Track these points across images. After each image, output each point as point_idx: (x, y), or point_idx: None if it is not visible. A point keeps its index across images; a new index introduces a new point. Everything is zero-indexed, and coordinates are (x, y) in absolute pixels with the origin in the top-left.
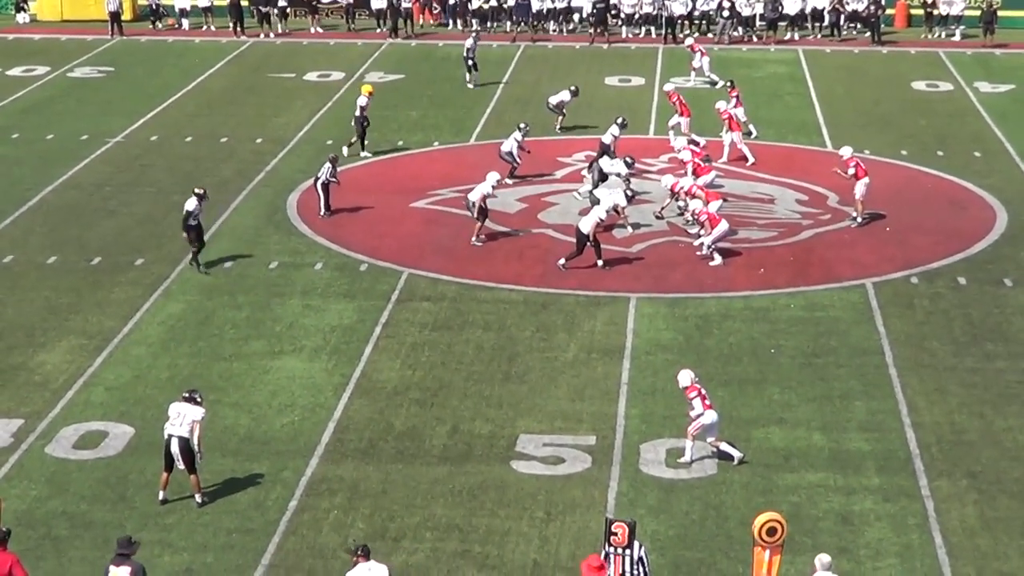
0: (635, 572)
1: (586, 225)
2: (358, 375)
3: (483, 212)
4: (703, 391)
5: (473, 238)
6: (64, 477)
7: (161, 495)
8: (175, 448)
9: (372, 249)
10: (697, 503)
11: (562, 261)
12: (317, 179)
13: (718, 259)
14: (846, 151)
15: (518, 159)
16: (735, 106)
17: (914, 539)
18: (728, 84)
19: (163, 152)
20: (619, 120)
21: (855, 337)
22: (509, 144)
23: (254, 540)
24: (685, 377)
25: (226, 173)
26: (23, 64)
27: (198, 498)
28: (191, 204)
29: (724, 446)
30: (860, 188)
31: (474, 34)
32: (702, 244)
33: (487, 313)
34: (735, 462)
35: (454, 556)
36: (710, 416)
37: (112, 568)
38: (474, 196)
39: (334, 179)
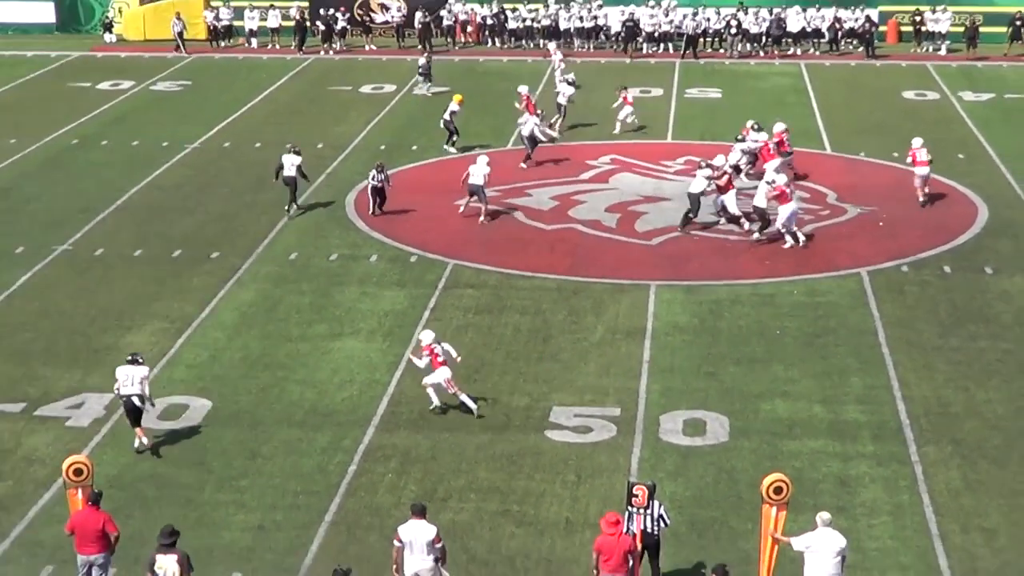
0: (655, 528)
1: (760, 200)
2: (409, 354)
3: (478, 192)
4: (436, 352)
5: (469, 212)
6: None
7: (137, 443)
8: (135, 403)
9: (421, 243)
10: (711, 467)
11: (756, 235)
12: (368, 184)
13: (789, 241)
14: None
15: (541, 138)
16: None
17: (904, 499)
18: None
19: (235, 157)
20: (755, 125)
21: (852, 320)
22: (528, 128)
23: (318, 500)
24: (427, 337)
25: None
26: (111, 79)
27: (145, 442)
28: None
29: (464, 397)
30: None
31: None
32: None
33: (524, 299)
34: (475, 415)
35: (495, 515)
36: (442, 372)
37: (158, 557)
38: (478, 180)
39: (386, 183)
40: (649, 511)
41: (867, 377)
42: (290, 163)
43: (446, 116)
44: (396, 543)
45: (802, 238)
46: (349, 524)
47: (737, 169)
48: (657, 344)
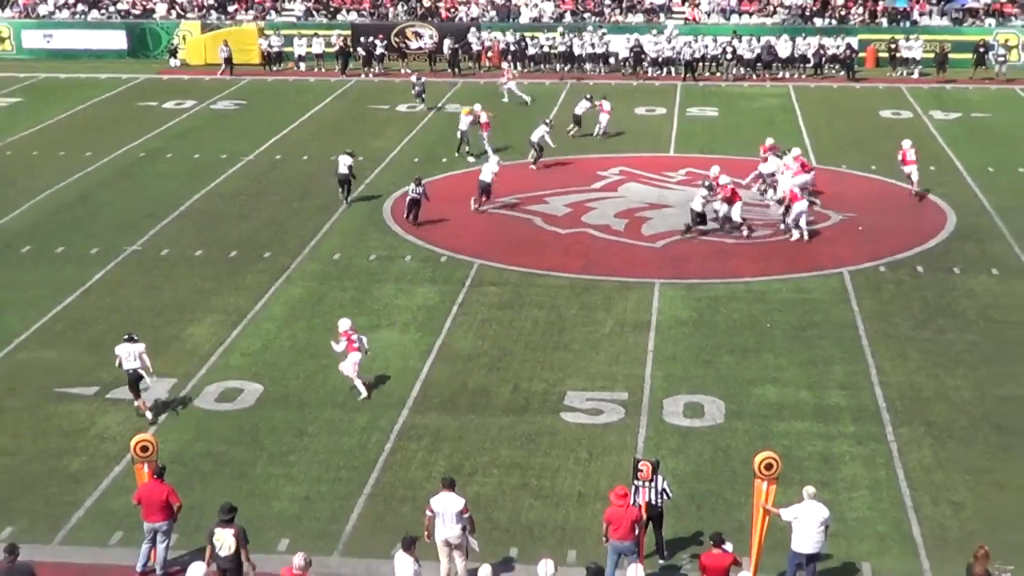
0: (659, 500)
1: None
2: (439, 344)
3: (488, 190)
4: (352, 339)
5: (476, 206)
6: (208, 424)
7: (149, 415)
8: (137, 375)
9: (450, 245)
10: (708, 446)
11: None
12: (407, 195)
13: (796, 235)
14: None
15: (550, 143)
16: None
17: (881, 475)
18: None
19: (285, 169)
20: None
21: (834, 314)
22: (538, 134)
23: (358, 474)
24: (344, 324)
25: (335, 185)
26: (175, 99)
27: (149, 416)
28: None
29: (358, 383)
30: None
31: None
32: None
33: (541, 295)
34: (362, 396)
35: (516, 488)
36: (352, 357)
37: (217, 530)
38: (486, 177)
39: (423, 196)
40: (653, 485)
41: (848, 365)
42: (344, 163)
43: (463, 128)
44: (428, 513)
45: (807, 235)
46: (385, 496)
47: (761, 178)
48: (660, 336)
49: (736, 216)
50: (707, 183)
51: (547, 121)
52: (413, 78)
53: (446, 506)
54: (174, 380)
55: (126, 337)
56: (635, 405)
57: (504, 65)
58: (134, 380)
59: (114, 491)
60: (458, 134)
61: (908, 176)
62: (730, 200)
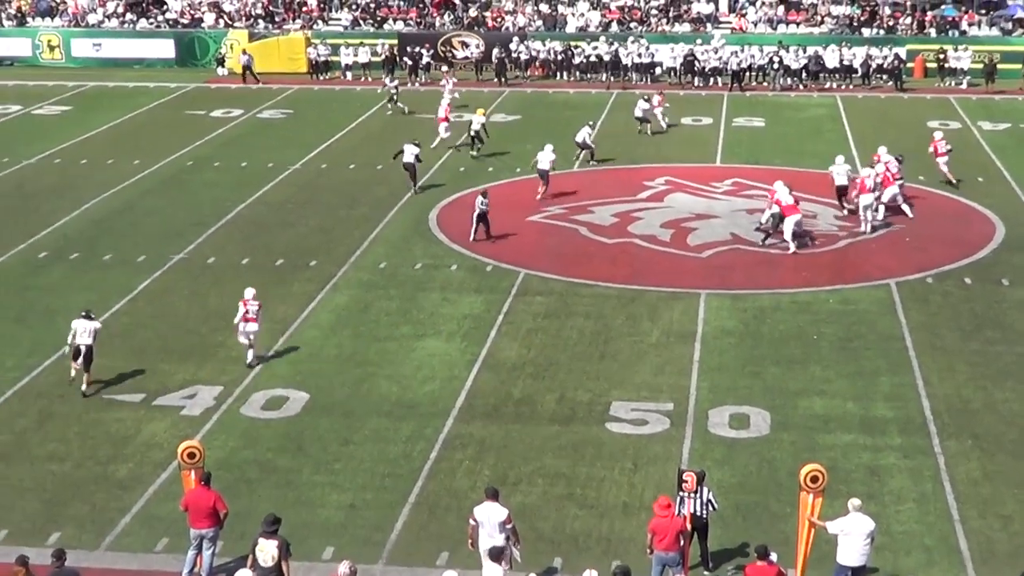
0: (704, 511)
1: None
2: (485, 353)
3: (545, 176)
4: (250, 307)
5: (539, 196)
6: (254, 432)
7: (72, 375)
8: (83, 350)
9: (496, 254)
10: (754, 457)
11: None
12: (474, 211)
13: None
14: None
15: (592, 144)
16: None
17: (928, 488)
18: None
19: (331, 177)
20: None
21: (881, 326)
22: (582, 135)
23: (403, 483)
24: (248, 292)
25: (381, 193)
26: (223, 107)
27: (87, 389)
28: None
29: (250, 353)
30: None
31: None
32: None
33: (587, 305)
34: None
35: (560, 498)
36: (250, 327)
37: (261, 540)
38: (544, 165)
39: (487, 208)
40: (699, 496)
41: (895, 377)
42: (410, 152)
43: (476, 128)
44: (471, 522)
45: (792, 247)
46: (430, 505)
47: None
48: (706, 346)
49: (788, 232)
50: (645, 96)
51: (590, 123)
52: (387, 79)
53: (489, 516)
54: (220, 388)
55: (83, 313)
56: (680, 416)
57: (444, 68)
58: (86, 354)
59: (161, 497)
60: (471, 134)
61: (940, 167)
62: (790, 211)
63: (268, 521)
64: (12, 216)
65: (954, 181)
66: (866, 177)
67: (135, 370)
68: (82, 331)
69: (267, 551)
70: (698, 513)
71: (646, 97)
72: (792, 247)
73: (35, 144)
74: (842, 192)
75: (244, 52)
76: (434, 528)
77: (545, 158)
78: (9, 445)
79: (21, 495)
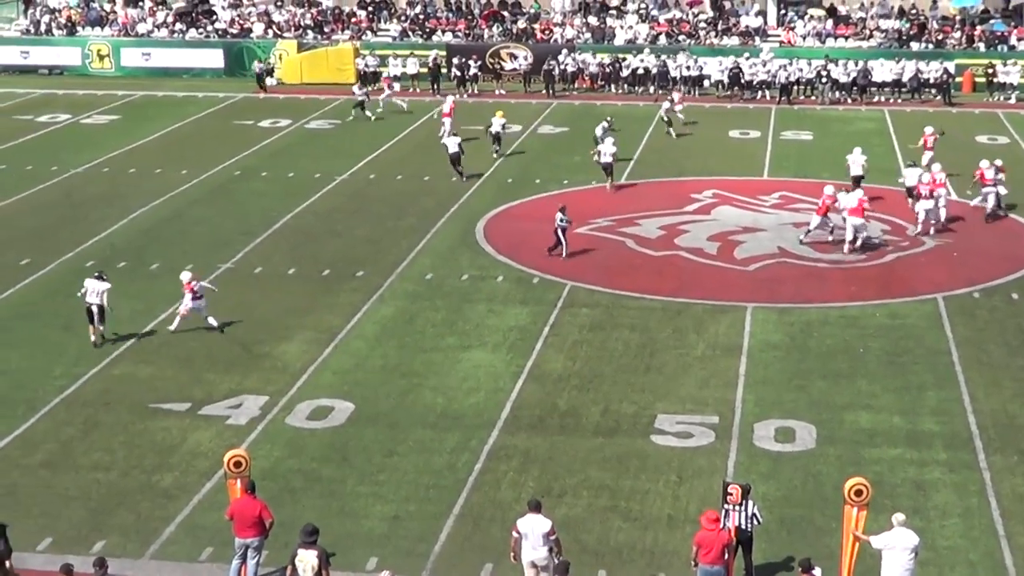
0: (749, 525)
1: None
2: (530, 365)
3: (609, 168)
4: (194, 287)
5: (609, 186)
6: (299, 442)
7: (92, 339)
8: (95, 311)
9: (543, 266)
10: (799, 471)
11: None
12: (556, 227)
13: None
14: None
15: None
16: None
17: (974, 503)
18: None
19: (379, 187)
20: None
21: (928, 340)
22: (599, 129)
23: (447, 494)
24: (185, 276)
25: (428, 205)
26: (271, 118)
27: (93, 339)
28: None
29: (212, 320)
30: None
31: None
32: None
33: (633, 318)
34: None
35: (605, 510)
36: (189, 301)
37: (300, 551)
38: (607, 158)
39: (568, 223)
40: (744, 509)
41: (941, 392)
42: (454, 143)
43: (496, 129)
44: (514, 534)
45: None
46: (474, 516)
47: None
48: (752, 360)
49: (849, 232)
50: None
51: (608, 119)
52: (355, 87)
53: (532, 528)
54: (266, 398)
55: (96, 275)
56: (726, 429)
57: (385, 73)
58: (99, 313)
59: (205, 507)
60: (490, 136)
61: (984, 197)
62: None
63: (307, 531)
64: (60, 224)
65: (995, 216)
66: (923, 184)
67: (182, 379)
68: (92, 291)
69: (307, 561)
70: (743, 526)
71: (670, 98)
72: (846, 247)
73: (84, 153)
74: (856, 181)
75: (258, 60)
76: (478, 540)
77: (607, 151)
78: (55, 453)
79: (67, 503)
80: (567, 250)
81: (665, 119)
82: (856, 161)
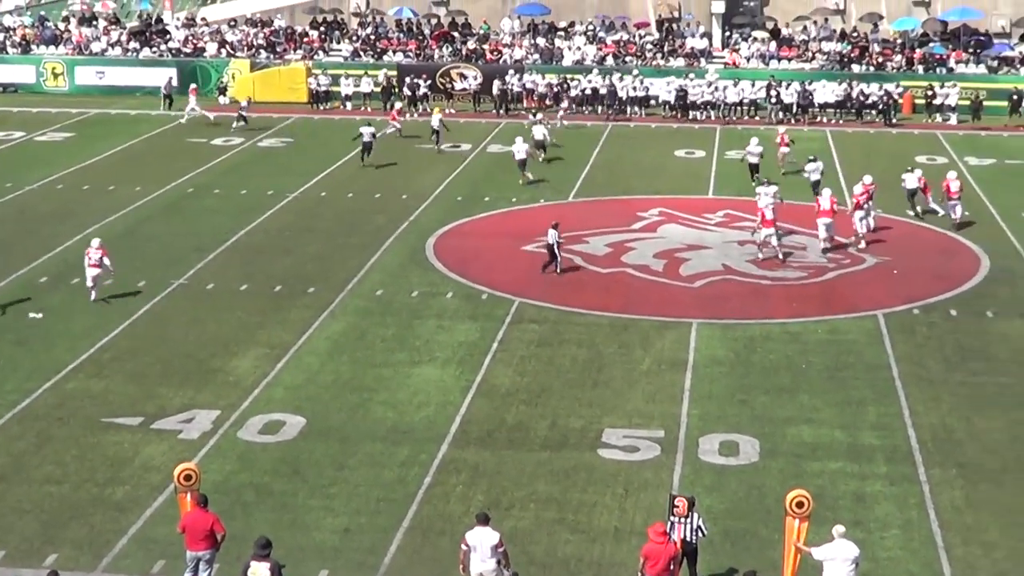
0: (694, 537)
1: None
2: (479, 380)
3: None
4: (94, 259)
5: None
6: (251, 456)
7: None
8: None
9: (491, 282)
10: (743, 484)
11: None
12: (549, 244)
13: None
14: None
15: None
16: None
17: (913, 515)
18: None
19: (330, 205)
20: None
21: (868, 356)
22: (539, 132)
23: (397, 507)
24: (95, 243)
25: (379, 221)
26: (223, 136)
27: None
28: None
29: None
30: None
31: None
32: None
33: (580, 333)
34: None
35: (552, 523)
36: (92, 272)
37: (253, 563)
38: (521, 155)
39: (561, 240)
40: (689, 521)
41: (881, 407)
42: (367, 132)
43: (435, 125)
44: (463, 547)
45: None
46: (424, 529)
47: None
48: (697, 375)
49: (822, 231)
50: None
51: (540, 119)
52: (227, 99)
53: (481, 540)
54: (217, 412)
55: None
56: (671, 443)
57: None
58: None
59: (157, 520)
60: (433, 129)
61: (952, 208)
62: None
63: (260, 544)
64: (14, 241)
65: (961, 223)
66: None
67: (134, 394)
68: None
69: (259, 574)
70: (688, 539)
71: (540, 120)
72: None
73: (38, 170)
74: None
75: (169, 79)
76: (428, 552)
77: (521, 148)
78: (7, 467)
79: (19, 516)
80: (560, 266)
81: (539, 140)
82: (815, 168)
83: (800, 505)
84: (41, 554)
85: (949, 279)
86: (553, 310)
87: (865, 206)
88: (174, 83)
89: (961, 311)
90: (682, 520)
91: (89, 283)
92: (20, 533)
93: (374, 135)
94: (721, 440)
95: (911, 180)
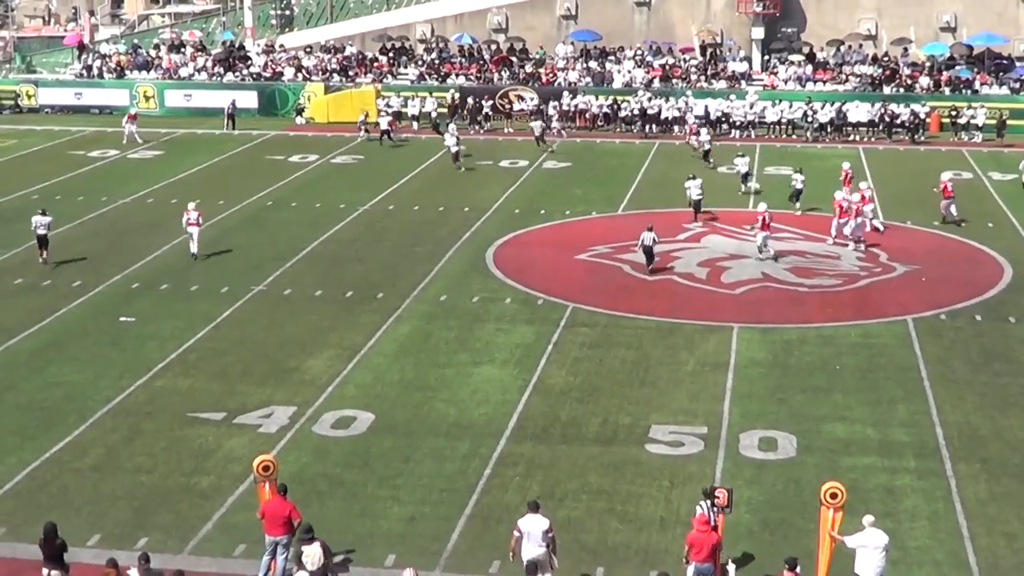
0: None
1: None
2: (535, 380)
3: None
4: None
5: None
6: (324, 449)
7: (42, 260)
8: (42, 238)
9: (547, 289)
10: (781, 477)
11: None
12: (646, 246)
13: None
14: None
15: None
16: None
17: (940, 507)
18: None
19: (397, 217)
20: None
21: (898, 358)
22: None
23: (459, 497)
24: (190, 205)
25: (442, 233)
26: (300, 153)
27: (45, 261)
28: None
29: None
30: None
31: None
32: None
33: (629, 336)
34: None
35: (603, 512)
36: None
37: (305, 548)
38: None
39: (658, 240)
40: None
41: (910, 405)
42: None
43: (743, 171)
44: (515, 533)
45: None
46: (484, 517)
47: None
48: (738, 375)
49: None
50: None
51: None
52: (303, 120)
53: (532, 527)
54: (294, 408)
55: (40, 211)
56: (714, 438)
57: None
58: (44, 240)
59: (239, 507)
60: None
61: (947, 207)
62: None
63: (305, 529)
64: (109, 250)
65: (956, 221)
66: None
67: (218, 391)
68: (39, 224)
69: (313, 555)
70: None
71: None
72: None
73: (130, 185)
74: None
75: (232, 102)
76: (487, 539)
77: (695, 188)
78: (102, 458)
79: (113, 503)
80: (654, 264)
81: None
82: (740, 162)
83: (834, 496)
84: (133, 538)
85: (974, 287)
86: (604, 315)
87: (857, 215)
88: (237, 104)
89: (985, 317)
90: (722, 510)
91: (192, 243)
92: (114, 519)
93: (458, 140)
94: (760, 436)
95: (742, 164)
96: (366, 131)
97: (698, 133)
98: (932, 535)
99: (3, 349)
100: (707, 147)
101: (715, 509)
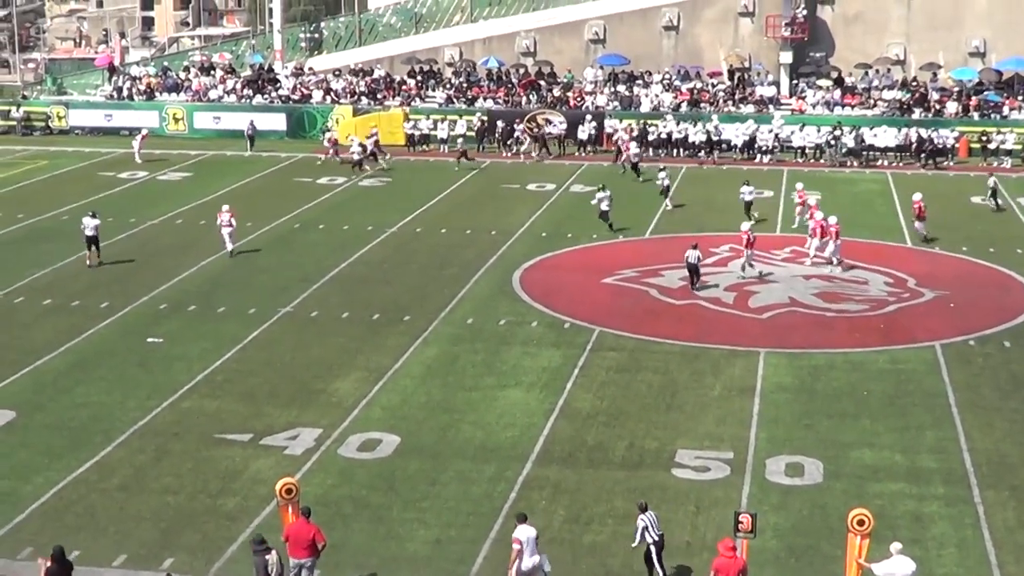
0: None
1: None
2: (561, 403)
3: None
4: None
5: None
6: (350, 471)
7: (88, 263)
8: (91, 239)
9: (573, 312)
10: (807, 503)
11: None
12: (691, 264)
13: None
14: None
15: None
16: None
17: (968, 534)
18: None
19: (425, 239)
20: None
21: (926, 384)
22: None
23: (484, 520)
24: (224, 207)
25: (469, 256)
26: (328, 175)
27: (92, 264)
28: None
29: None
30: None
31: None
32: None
33: (656, 361)
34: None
35: (629, 537)
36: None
37: (268, 557)
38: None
39: (702, 257)
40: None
41: (939, 432)
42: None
43: (747, 199)
44: (516, 545)
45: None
46: (509, 541)
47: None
48: (765, 400)
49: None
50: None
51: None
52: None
53: (530, 535)
54: (319, 430)
55: (90, 213)
56: (740, 464)
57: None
58: (94, 240)
59: (264, 529)
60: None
61: (920, 227)
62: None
63: (256, 541)
64: (137, 270)
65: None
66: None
67: (244, 412)
68: (88, 225)
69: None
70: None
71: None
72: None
73: (159, 206)
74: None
75: (251, 123)
76: None
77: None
78: (129, 478)
79: (139, 523)
80: (693, 285)
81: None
82: (746, 190)
83: (861, 523)
84: (158, 558)
85: (1003, 312)
86: (630, 339)
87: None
88: (256, 126)
89: (1015, 343)
90: (745, 535)
91: (227, 241)
92: (139, 539)
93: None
94: (787, 462)
95: (747, 193)
96: (335, 153)
97: (628, 148)
98: (960, 563)
99: (31, 369)
100: (635, 160)
101: (739, 535)
